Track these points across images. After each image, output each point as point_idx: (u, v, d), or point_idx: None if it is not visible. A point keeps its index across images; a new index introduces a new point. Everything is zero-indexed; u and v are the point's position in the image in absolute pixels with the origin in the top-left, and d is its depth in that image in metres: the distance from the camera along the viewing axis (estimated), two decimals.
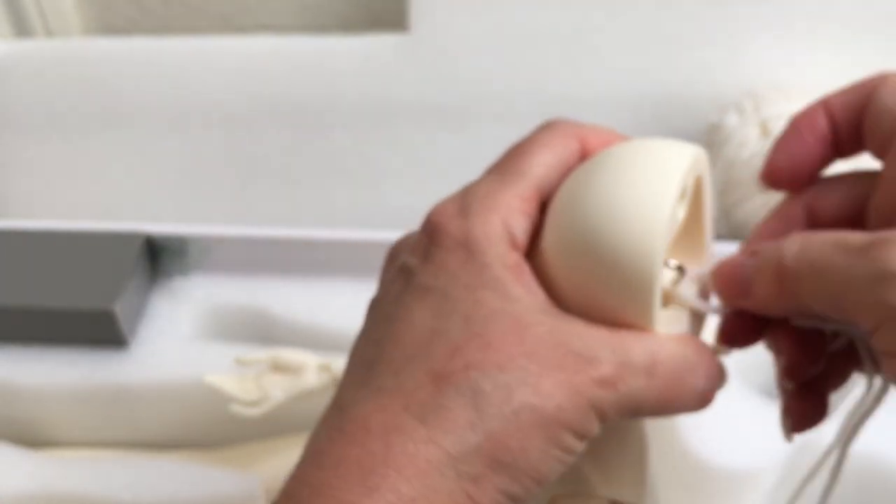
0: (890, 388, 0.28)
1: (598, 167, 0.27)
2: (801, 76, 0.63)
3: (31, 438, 0.54)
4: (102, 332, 0.52)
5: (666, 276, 0.27)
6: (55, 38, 0.72)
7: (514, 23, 0.64)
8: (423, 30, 0.65)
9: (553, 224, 0.27)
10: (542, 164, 0.28)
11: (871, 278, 0.23)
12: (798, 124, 0.28)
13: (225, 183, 0.70)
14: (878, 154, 0.27)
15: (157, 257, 0.57)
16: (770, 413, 0.48)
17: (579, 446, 0.25)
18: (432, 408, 0.24)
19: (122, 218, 0.62)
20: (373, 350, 0.27)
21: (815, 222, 0.28)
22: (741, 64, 0.64)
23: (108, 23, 0.74)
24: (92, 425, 0.54)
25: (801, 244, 0.25)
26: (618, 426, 0.30)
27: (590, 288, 0.26)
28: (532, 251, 0.28)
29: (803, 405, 0.29)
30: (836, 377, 0.29)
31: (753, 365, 0.51)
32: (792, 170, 0.28)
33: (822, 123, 0.28)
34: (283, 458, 0.50)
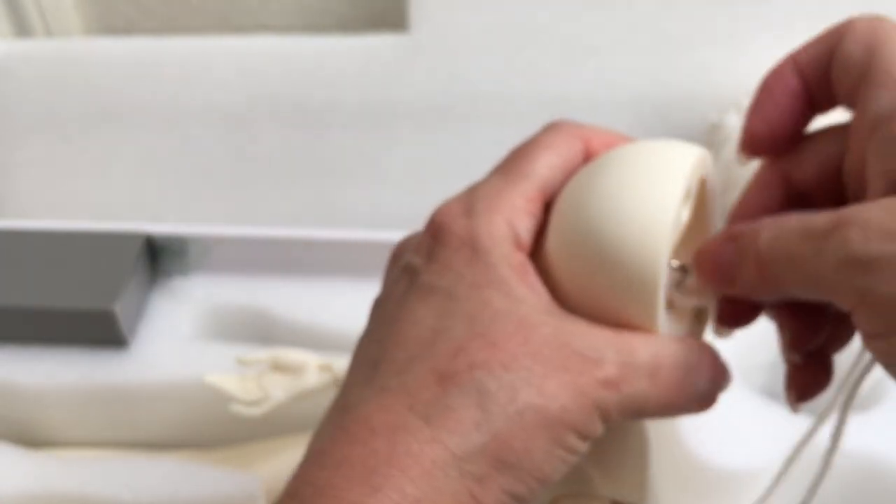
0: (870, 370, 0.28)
1: (602, 168, 0.27)
2: None
3: (31, 438, 0.54)
4: (102, 332, 0.52)
5: (671, 278, 0.27)
6: (55, 38, 0.72)
7: (513, 23, 0.64)
8: (423, 30, 0.65)
9: (557, 225, 0.27)
10: (546, 165, 0.28)
11: (838, 264, 0.22)
12: (769, 85, 0.27)
13: (225, 183, 0.70)
14: (849, 104, 0.27)
15: (157, 257, 0.57)
16: (770, 413, 0.48)
17: (583, 447, 0.25)
18: (437, 408, 0.24)
19: (122, 218, 0.62)
20: (376, 350, 0.27)
21: (793, 187, 0.28)
22: (741, 64, 0.64)
23: (108, 23, 0.74)
24: (92, 425, 0.54)
25: (772, 233, 0.24)
26: (620, 427, 0.30)
27: (594, 289, 0.26)
28: (536, 252, 0.28)
29: (808, 372, 0.28)
30: (838, 340, 0.29)
31: (754, 365, 0.51)
32: (771, 134, 0.27)
33: (792, 81, 0.27)
34: (284, 459, 0.50)
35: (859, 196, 0.26)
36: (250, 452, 0.51)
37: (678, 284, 0.27)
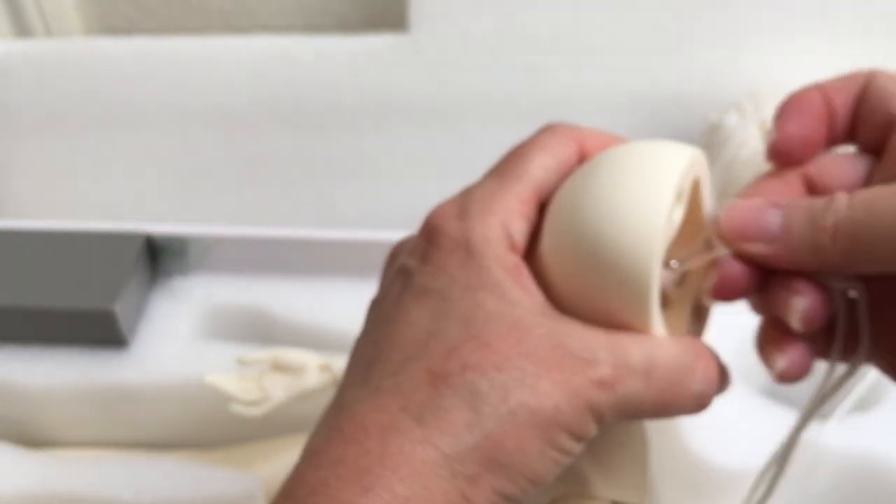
0: (855, 374, 0.27)
1: (595, 170, 0.27)
2: (801, 76, 0.63)
3: (31, 438, 0.54)
4: (102, 332, 0.52)
5: (667, 277, 0.27)
6: (55, 38, 0.72)
7: (513, 23, 0.64)
8: (422, 30, 0.65)
9: (551, 227, 0.27)
10: (540, 167, 0.28)
11: None
12: (800, 102, 0.28)
13: (225, 183, 0.70)
14: (867, 148, 0.27)
15: (157, 257, 0.57)
16: (770, 413, 0.48)
17: (576, 448, 0.25)
18: (429, 408, 0.24)
19: (122, 218, 0.62)
20: (372, 350, 0.27)
21: (812, 189, 0.28)
22: (741, 64, 0.64)
23: (108, 23, 0.74)
24: (92, 425, 0.54)
25: (855, 200, 0.24)
26: (619, 428, 0.30)
27: (588, 290, 0.26)
28: (531, 253, 0.28)
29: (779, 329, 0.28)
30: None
31: (754, 365, 0.51)
32: (803, 140, 0.27)
33: (820, 106, 0.27)
34: (284, 459, 0.50)
35: None
36: (250, 452, 0.51)
37: (679, 283, 0.27)
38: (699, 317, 0.29)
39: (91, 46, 0.69)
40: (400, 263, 0.28)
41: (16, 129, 0.69)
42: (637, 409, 0.25)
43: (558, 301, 0.27)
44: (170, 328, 0.55)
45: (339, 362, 0.45)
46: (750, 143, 0.59)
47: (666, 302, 0.27)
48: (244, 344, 0.54)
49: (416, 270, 0.27)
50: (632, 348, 0.25)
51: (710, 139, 0.62)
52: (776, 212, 0.26)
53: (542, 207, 0.28)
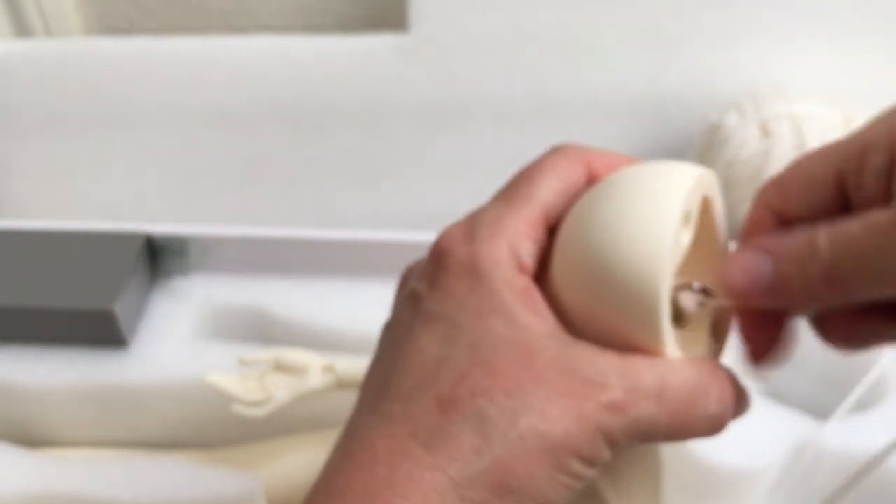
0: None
1: (603, 193, 0.27)
2: (801, 76, 0.63)
3: (31, 438, 0.54)
4: (102, 332, 0.52)
5: (687, 299, 0.27)
6: (55, 38, 0.72)
7: (514, 23, 0.64)
8: (422, 30, 0.65)
9: (561, 250, 0.27)
10: (548, 189, 0.28)
11: None
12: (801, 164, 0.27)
13: (225, 183, 0.70)
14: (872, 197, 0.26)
15: (157, 257, 0.57)
16: (770, 413, 0.48)
17: (588, 472, 0.25)
18: (438, 434, 0.24)
19: (122, 218, 0.62)
20: (383, 376, 0.27)
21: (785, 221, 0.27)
22: (741, 64, 0.64)
23: (108, 23, 0.74)
24: (92, 425, 0.54)
25: (832, 235, 0.24)
26: (634, 447, 0.30)
27: (600, 314, 0.26)
28: (542, 275, 0.28)
29: (763, 328, 0.28)
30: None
31: None
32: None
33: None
34: (285, 460, 0.50)
35: None
36: (251, 453, 0.51)
37: (700, 304, 0.27)
38: (719, 335, 0.29)
39: (91, 46, 0.69)
40: (410, 288, 0.28)
41: (16, 129, 0.69)
42: (650, 433, 0.25)
43: (571, 324, 0.27)
44: (170, 328, 0.55)
45: (342, 363, 0.45)
46: (750, 143, 0.59)
47: (686, 321, 0.27)
48: (244, 344, 0.54)
49: (426, 295, 0.27)
50: (643, 371, 0.25)
51: (710, 139, 0.62)
52: (766, 259, 0.25)
53: (551, 229, 0.28)
